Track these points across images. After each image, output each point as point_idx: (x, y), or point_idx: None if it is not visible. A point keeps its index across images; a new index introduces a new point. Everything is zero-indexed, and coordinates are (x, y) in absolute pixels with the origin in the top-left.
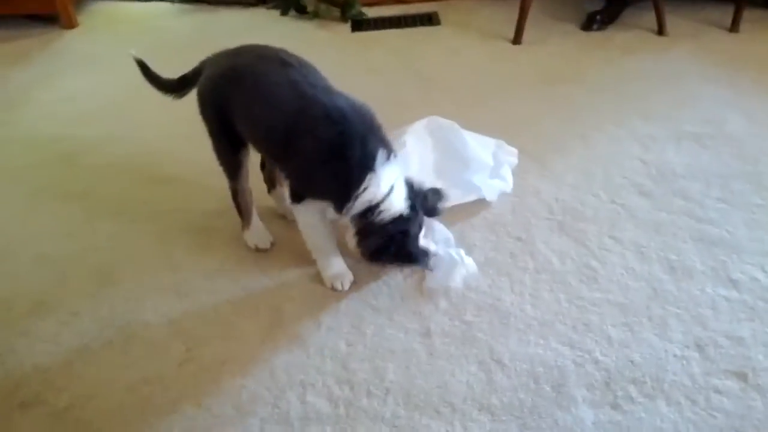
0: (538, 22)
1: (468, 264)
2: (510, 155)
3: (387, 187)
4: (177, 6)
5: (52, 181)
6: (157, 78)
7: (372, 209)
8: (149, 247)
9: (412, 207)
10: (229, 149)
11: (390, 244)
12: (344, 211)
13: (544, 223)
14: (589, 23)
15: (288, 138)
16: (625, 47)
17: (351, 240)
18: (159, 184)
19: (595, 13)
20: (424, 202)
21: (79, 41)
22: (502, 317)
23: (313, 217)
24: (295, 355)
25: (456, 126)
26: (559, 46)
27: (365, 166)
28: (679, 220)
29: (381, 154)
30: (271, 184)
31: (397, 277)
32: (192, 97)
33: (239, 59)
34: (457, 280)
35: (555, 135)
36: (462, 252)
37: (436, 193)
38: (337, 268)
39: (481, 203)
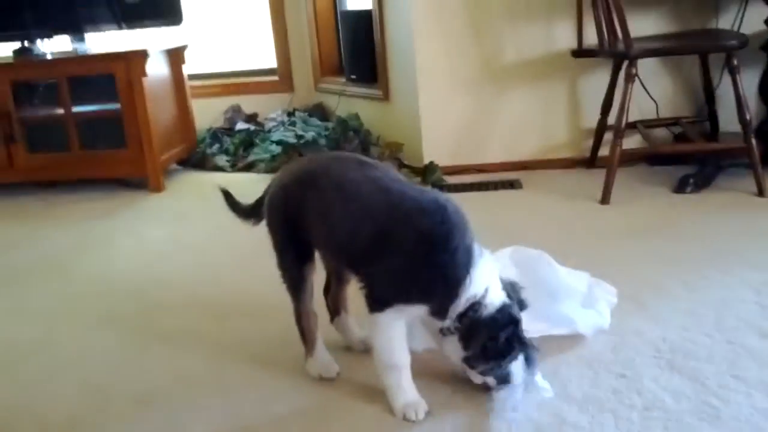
0: (626, 186)
1: (544, 388)
2: (608, 293)
3: (487, 281)
4: (262, 176)
5: (117, 311)
6: (238, 205)
7: (474, 306)
8: (201, 373)
9: (509, 297)
10: (295, 262)
11: (504, 336)
12: (448, 312)
13: (650, 360)
14: (682, 186)
15: (378, 236)
16: (723, 204)
17: (454, 350)
18: (222, 318)
19: (688, 176)
20: (513, 294)
21: (163, 201)
22: None
23: (394, 329)
24: None
25: (545, 255)
26: (650, 205)
27: (468, 258)
28: None
29: (477, 247)
30: (335, 311)
31: (479, 409)
32: (263, 235)
33: (312, 164)
34: (531, 406)
35: (654, 280)
36: (539, 375)
37: (516, 286)
38: (411, 395)
39: (574, 339)
